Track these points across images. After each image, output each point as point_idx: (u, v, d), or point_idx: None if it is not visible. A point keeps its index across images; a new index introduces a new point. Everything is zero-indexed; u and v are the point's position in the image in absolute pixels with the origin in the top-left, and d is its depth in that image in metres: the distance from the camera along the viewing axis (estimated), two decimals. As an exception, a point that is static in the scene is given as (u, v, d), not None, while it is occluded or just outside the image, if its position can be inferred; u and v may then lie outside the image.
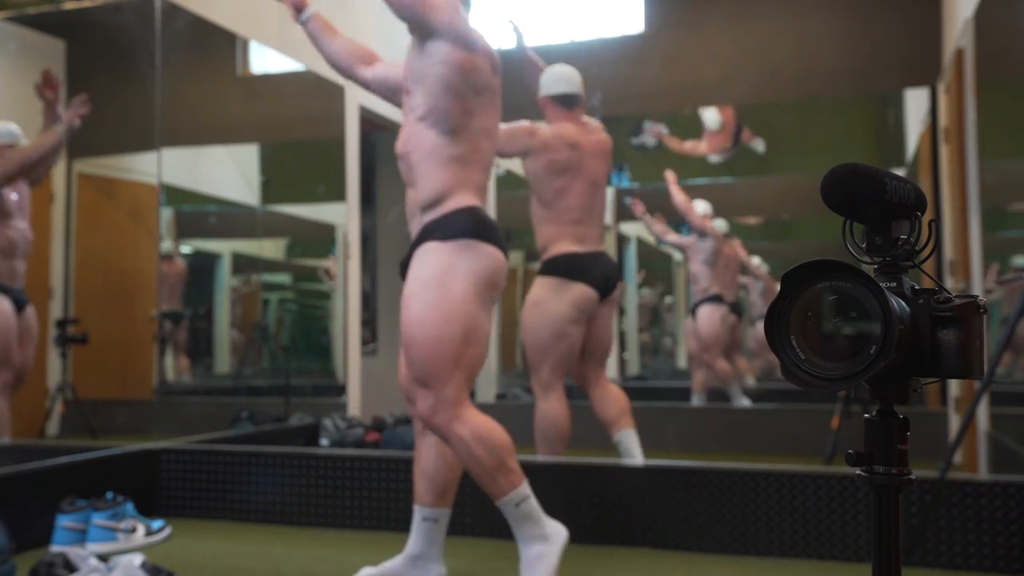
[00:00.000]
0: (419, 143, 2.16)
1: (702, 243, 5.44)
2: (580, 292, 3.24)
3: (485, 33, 2.21)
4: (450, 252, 2.09)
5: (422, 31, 2.13)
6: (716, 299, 5.33)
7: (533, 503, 2.12)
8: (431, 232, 2.13)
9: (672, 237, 5.71)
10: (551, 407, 3.24)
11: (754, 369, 5.72)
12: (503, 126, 3.19)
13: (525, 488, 2.11)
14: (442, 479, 2.26)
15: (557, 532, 2.14)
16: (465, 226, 2.10)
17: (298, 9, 2.45)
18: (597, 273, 3.30)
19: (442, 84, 2.10)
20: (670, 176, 5.53)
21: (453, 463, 2.26)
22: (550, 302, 3.23)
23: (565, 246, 3.29)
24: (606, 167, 3.45)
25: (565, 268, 3.26)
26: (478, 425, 2.07)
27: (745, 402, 5.21)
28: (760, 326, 5.80)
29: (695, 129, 5.68)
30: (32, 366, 3.68)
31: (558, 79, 3.41)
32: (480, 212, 2.15)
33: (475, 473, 2.09)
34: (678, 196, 5.49)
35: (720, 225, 5.60)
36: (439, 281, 2.07)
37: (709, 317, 5.30)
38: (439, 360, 2.05)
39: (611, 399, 3.41)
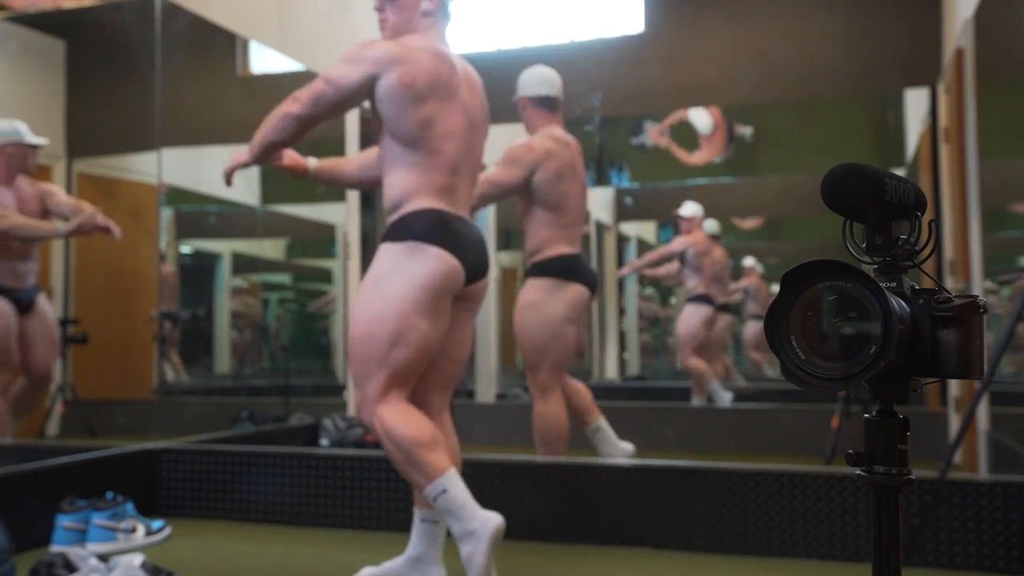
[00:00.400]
0: (386, 155, 2.25)
1: (686, 255, 5.51)
2: (576, 292, 3.25)
3: (429, 46, 2.24)
4: (396, 253, 2.15)
5: (364, 87, 2.22)
6: (699, 299, 5.36)
7: (453, 496, 2.06)
8: (387, 233, 2.20)
9: (662, 271, 5.81)
10: (550, 410, 3.24)
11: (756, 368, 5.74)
12: (493, 171, 3.21)
13: (443, 482, 2.06)
14: None
15: (484, 524, 2.05)
16: (415, 228, 2.14)
17: (302, 171, 2.53)
18: (588, 273, 3.32)
19: (391, 109, 2.19)
20: (628, 266, 5.77)
21: (454, 460, 2.26)
22: (545, 303, 3.22)
23: (560, 248, 3.28)
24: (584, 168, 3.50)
25: (560, 269, 3.25)
26: (391, 421, 2.10)
27: (727, 399, 5.21)
28: (749, 327, 5.83)
29: (693, 132, 5.68)
30: (49, 366, 3.66)
31: (541, 81, 3.37)
32: (435, 214, 2.17)
33: (396, 468, 2.15)
34: (651, 256, 5.65)
35: (711, 226, 5.61)
36: (379, 282, 2.14)
37: (687, 318, 5.37)
38: (365, 358, 2.12)
39: (579, 392, 3.48)
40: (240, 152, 2.35)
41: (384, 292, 2.12)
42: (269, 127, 2.28)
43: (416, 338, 2.11)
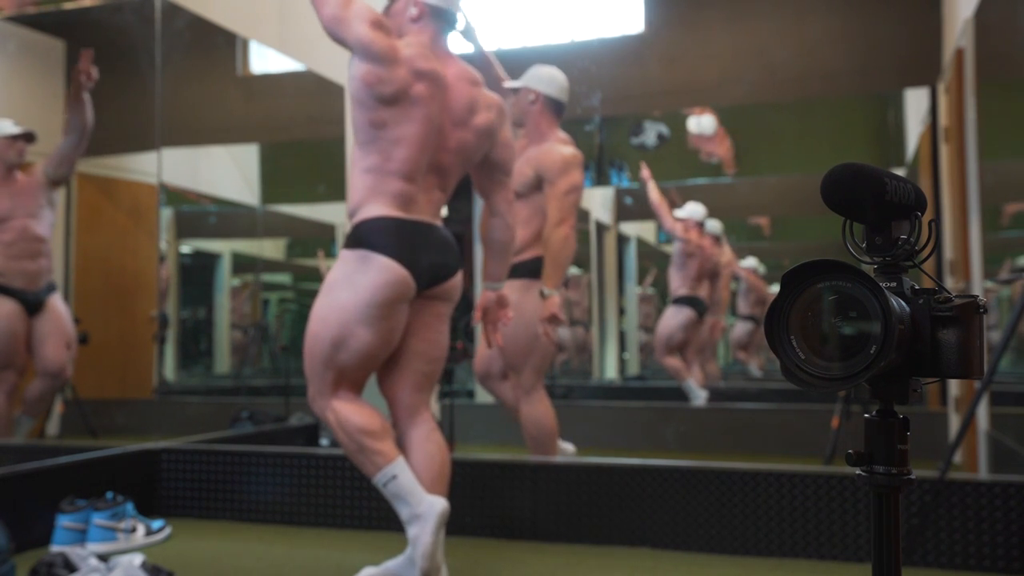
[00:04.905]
0: (353, 155, 2.30)
1: (675, 245, 5.49)
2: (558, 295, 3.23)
3: (419, 41, 2.25)
4: (347, 261, 2.24)
5: (341, 44, 2.24)
6: (682, 301, 5.36)
7: (402, 482, 2.17)
8: (345, 240, 2.27)
9: (668, 223, 5.68)
10: (537, 410, 3.22)
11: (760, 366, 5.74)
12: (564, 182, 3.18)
13: (393, 469, 2.18)
14: (428, 476, 2.28)
15: (430, 508, 2.15)
16: (367, 237, 2.20)
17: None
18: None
19: (352, 98, 2.24)
20: (646, 173, 5.54)
21: (436, 458, 2.29)
22: (523, 304, 3.18)
23: (537, 250, 3.26)
24: None
25: (536, 270, 3.23)
26: (342, 412, 2.21)
27: (702, 398, 5.20)
28: (739, 326, 5.83)
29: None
30: (62, 366, 3.65)
31: (556, 84, 3.34)
32: (387, 222, 2.20)
33: (349, 458, 2.27)
34: (653, 194, 5.52)
35: (714, 227, 5.60)
36: (331, 288, 2.23)
37: (667, 319, 5.38)
38: (312, 358, 2.23)
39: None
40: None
41: (332, 299, 2.22)
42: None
43: (357, 345, 2.20)
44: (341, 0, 2.18)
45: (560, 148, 3.28)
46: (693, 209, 5.49)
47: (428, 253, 2.25)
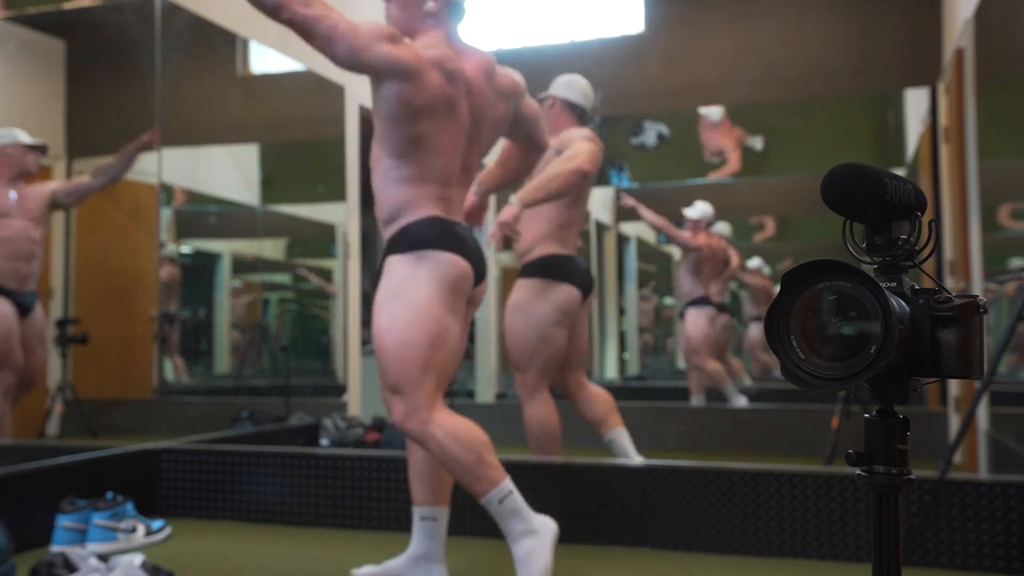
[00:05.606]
0: (375, 163, 2.23)
1: (687, 254, 5.47)
2: (566, 294, 3.20)
3: (438, 42, 2.19)
4: (410, 262, 2.13)
5: (364, 73, 2.14)
6: (701, 302, 5.35)
7: (517, 498, 2.10)
8: (392, 246, 2.18)
9: (674, 232, 5.67)
10: (539, 410, 3.21)
11: (753, 370, 5.73)
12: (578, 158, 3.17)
13: (508, 483, 2.10)
14: (435, 477, 2.27)
15: (545, 525, 2.11)
16: (422, 237, 2.13)
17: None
18: (580, 274, 3.27)
19: (385, 116, 2.15)
20: (630, 201, 5.61)
21: (433, 460, 2.26)
22: (533, 305, 3.18)
23: (550, 248, 3.25)
24: None
25: (550, 270, 3.22)
26: (452, 425, 2.08)
27: (742, 401, 5.21)
28: (752, 328, 5.82)
29: (696, 127, 5.68)
30: (40, 371, 3.67)
31: (573, 87, 3.40)
32: (437, 221, 2.16)
33: (456, 474, 2.09)
34: (649, 218, 5.56)
35: (723, 229, 5.59)
36: (402, 290, 2.11)
37: (695, 320, 5.32)
38: (408, 365, 2.07)
39: (597, 400, 3.35)
40: None
41: (409, 299, 2.09)
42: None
43: (453, 340, 2.14)
44: (347, 31, 2.05)
45: (578, 131, 3.35)
46: (703, 209, 5.47)
47: (473, 251, 2.22)
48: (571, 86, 3.42)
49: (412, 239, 2.14)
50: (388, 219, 2.20)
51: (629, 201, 5.70)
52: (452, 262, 2.14)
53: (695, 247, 5.41)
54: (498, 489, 2.08)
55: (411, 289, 2.10)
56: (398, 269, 2.14)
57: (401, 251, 2.15)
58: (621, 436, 3.33)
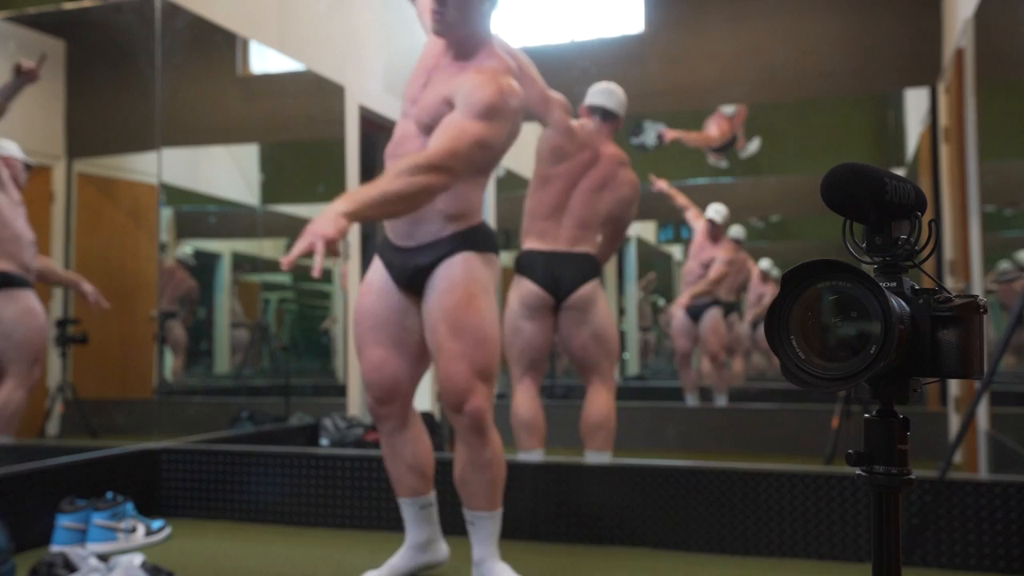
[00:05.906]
0: None
1: (696, 243, 5.47)
2: (525, 289, 3.25)
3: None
4: (485, 264, 2.22)
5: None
6: (716, 304, 5.34)
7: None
8: (467, 242, 2.19)
9: (691, 213, 5.65)
10: (514, 400, 3.29)
11: (752, 369, 5.73)
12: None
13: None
14: (428, 464, 2.38)
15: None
16: (492, 241, 2.26)
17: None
18: (539, 271, 3.24)
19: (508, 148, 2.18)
20: (662, 184, 5.57)
21: (429, 448, 2.38)
22: (510, 299, 3.33)
23: (526, 243, 3.34)
24: None
25: (517, 265, 3.33)
26: (497, 436, 2.24)
27: (723, 401, 5.22)
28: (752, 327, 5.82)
29: (696, 127, 5.68)
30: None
31: (596, 90, 3.49)
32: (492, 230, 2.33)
33: (488, 479, 2.19)
34: (679, 198, 5.53)
35: (737, 231, 5.59)
36: (487, 289, 2.21)
37: (715, 322, 5.31)
38: (495, 360, 2.18)
39: (588, 415, 3.27)
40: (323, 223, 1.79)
41: (492, 300, 2.20)
42: (402, 200, 1.91)
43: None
44: (553, 103, 2.75)
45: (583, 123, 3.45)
46: (723, 211, 5.45)
47: None
48: (594, 89, 3.49)
49: (486, 241, 2.25)
50: (457, 215, 2.20)
51: (661, 184, 5.64)
52: (498, 267, 2.31)
53: (731, 261, 5.39)
54: (501, 511, 2.26)
55: (489, 290, 2.22)
56: (478, 267, 2.21)
57: (478, 250, 2.22)
58: (591, 457, 3.23)
